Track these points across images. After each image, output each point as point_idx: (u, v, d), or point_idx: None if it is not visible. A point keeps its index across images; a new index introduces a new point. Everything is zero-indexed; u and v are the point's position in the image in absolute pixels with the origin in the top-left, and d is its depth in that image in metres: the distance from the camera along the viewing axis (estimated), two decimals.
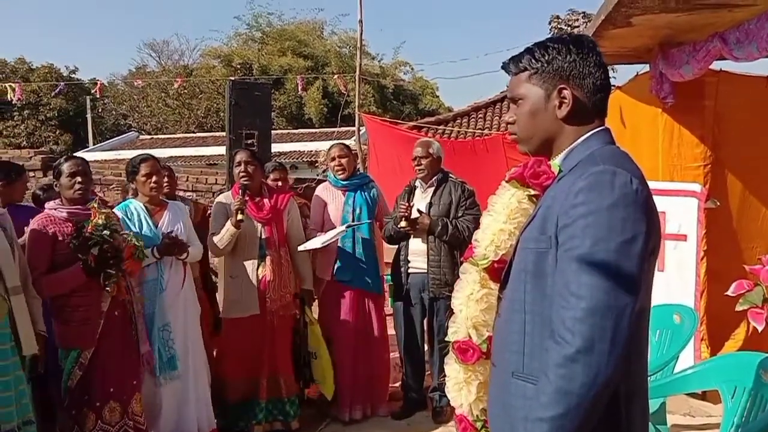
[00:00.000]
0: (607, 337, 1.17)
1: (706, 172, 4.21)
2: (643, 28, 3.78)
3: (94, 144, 22.92)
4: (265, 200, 3.86)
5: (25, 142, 23.76)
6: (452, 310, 1.79)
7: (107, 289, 3.02)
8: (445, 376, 1.82)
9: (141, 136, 23.14)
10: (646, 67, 4.54)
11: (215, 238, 3.70)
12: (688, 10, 3.39)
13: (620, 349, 1.18)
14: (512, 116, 1.48)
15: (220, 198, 3.93)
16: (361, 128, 9.74)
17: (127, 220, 3.41)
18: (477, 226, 3.88)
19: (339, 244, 4.05)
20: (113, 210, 3.40)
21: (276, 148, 14.53)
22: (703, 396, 3.85)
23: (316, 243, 3.90)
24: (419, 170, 3.99)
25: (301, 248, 3.92)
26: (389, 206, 4.35)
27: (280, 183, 4.36)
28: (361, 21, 9.37)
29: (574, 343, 1.18)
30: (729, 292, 3.48)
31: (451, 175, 4.06)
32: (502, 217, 1.60)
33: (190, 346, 3.59)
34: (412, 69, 26.61)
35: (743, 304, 3.44)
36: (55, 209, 3.07)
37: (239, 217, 3.61)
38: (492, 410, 1.51)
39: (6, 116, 25.10)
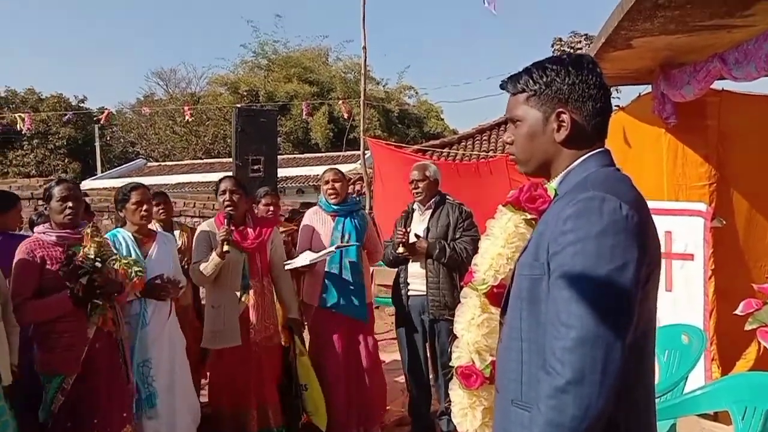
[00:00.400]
0: (597, 367, 1.14)
1: (712, 191, 4.20)
2: (643, 50, 3.81)
3: (102, 172, 23.14)
4: (249, 229, 3.80)
5: (34, 171, 24.04)
6: (455, 334, 1.78)
7: (92, 320, 2.97)
8: (450, 401, 1.81)
9: (149, 163, 23.39)
10: (648, 88, 4.56)
11: (201, 267, 3.64)
12: (687, 31, 3.41)
13: (612, 380, 1.15)
14: (510, 137, 1.46)
15: (203, 226, 3.87)
16: (366, 152, 9.80)
17: (115, 251, 3.32)
18: (475, 247, 3.89)
19: (326, 268, 4.03)
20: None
21: (282, 172, 14.66)
22: (715, 417, 3.78)
23: (302, 261, 3.88)
24: (416, 193, 4.01)
25: (287, 266, 3.90)
26: (385, 232, 4.35)
27: (271, 208, 4.35)
28: (365, 47, 9.48)
29: (564, 374, 1.16)
30: (737, 311, 3.44)
31: (448, 197, 4.07)
32: (500, 241, 1.60)
33: (177, 380, 3.52)
34: (417, 93, 26.87)
35: (752, 323, 3.40)
36: (44, 233, 3.04)
37: (225, 248, 3.56)
38: None
39: (16, 145, 25.42)
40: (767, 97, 4.25)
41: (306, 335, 4.21)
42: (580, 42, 20.52)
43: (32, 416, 2.99)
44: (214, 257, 3.59)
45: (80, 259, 2.93)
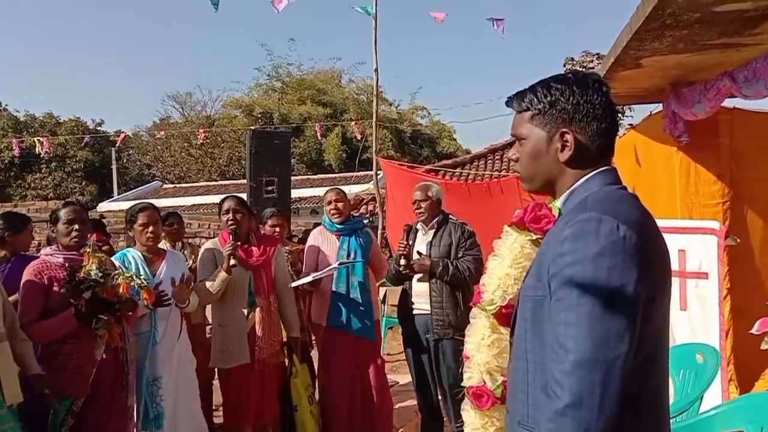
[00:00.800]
0: (596, 391, 1.13)
1: (725, 209, 4.17)
2: (653, 69, 3.82)
3: (118, 194, 23.41)
4: (253, 248, 3.84)
5: (52, 194, 24.37)
6: (465, 354, 1.79)
7: (99, 334, 2.97)
8: (462, 422, 1.81)
9: (164, 185, 23.59)
10: (659, 106, 4.57)
11: (207, 284, 3.66)
12: (696, 50, 3.42)
13: (612, 403, 1.14)
14: (516, 154, 1.46)
15: (208, 245, 3.92)
16: (379, 172, 9.84)
17: (124, 269, 3.36)
18: (477, 266, 3.90)
19: (333, 288, 4.06)
20: (110, 257, 3.38)
21: (296, 193, 14.74)
22: None
23: (307, 278, 3.93)
24: (419, 213, 4.05)
25: (293, 284, 3.94)
26: (394, 248, 4.39)
27: (278, 229, 4.39)
28: (376, 69, 9.56)
29: (563, 398, 1.15)
30: (753, 330, 3.40)
31: (451, 216, 4.10)
32: (507, 261, 1.60)
33: (182, 400, 3.52)
34: (429, 113, 26.99)
35: None
36: (51, 255, 3.07)
37: (232, 262, 3.60)
38: None
39: (34, 169, 25.82)
40: None
41: (315, 354, 4.23)
42: (592, 61, 20.51)
43: None
44: (221, 273, 3.63)
45: (82, 275, 2.95)
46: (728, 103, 3.97)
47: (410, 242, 3.96)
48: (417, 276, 3.95)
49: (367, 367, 4.10)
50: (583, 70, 19.64)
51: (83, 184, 26.10)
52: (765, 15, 2.82)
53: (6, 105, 28.37)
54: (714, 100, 3.58)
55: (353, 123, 17.58)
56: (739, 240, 3.96)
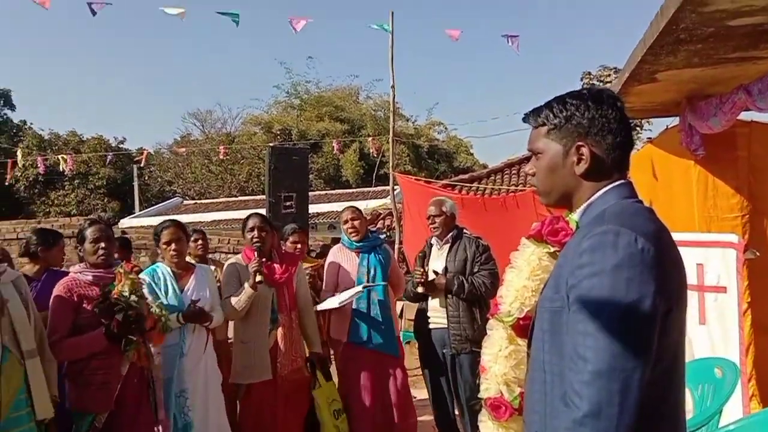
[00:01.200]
0: (615, 401, 1.14)
1: (744, 222, 4.14)
2: (668, 83, 3.83)
3: (140, 210, 23.73)
4: (276, 265, 3.90)
5: (74, 210, 24.76)
6: (483, 366, 1.80)
7: (127, 355, 3.03)
8: None
9: (185, 202, 23.88)
10: (676, 120, 4.56)
11: (232, 301, 3.71)
12: (711, 64, 3.43)
13: (630, 414, 1.15)
14: (532, 168, 1.48)
15: (231, 261, 3.97)
16: (396, 187, 9.90)
17: (154, 285, 3.45)
18: (493, 281, 3.92)
19: (354, 306, 4.10)
20: (140, 275, 3.42)
21: (314, 208, 14.83)
22: None
23: (333, 303, 3.98)
24: (434, 228, 4.08)
25: (319, 307, 3.98)
26: (411, 263, 4.42)
27: (299, 246, 4.45)
28: (393, 86, 9.67)
29: (582, 407, 1.16)
30: None
31: (465, 231, 4.13)
32: (525, 273, 1.61)
33: (211, 413, 3.55)
34: (446, 128, 27.07)
35: None
36: (80, 272, 3.13)
37: (258, 278, 3.65)
38: None
39: (58, 186, 26.29)
40: None
41: (333, 370, 4.25)
42: (609, 75, 20.41)
43: None
44: (246, 289, 3.68)
45: (115, 295, 3.01)
46: (746, 116, 3.96)
47: (426, 267, 4.00)
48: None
49: (390, 383, 4.12)
50: (600, 84, 19.61)
51: (105, 200, 26.50)
52: None
53: (31, 123, 29.05)
54: (729, 114, 3.58)
55: (370, 139, 17.70)
56: (758, 253, 3.93)
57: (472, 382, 3.67)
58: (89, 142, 27.26)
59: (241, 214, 19.77)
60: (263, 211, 4.95)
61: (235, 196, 23.93)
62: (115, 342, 3.00)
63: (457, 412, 4.11)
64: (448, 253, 4.03)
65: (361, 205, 7.21)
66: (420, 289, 3.93)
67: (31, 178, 25.49)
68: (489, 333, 1.76)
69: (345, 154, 23.30)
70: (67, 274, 3.33)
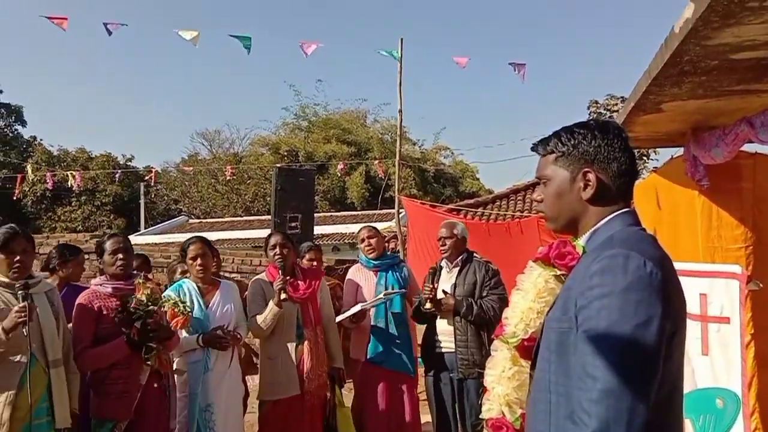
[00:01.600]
0: (623, 418, 1.17)
1: (748, 253, 4.14)
2: (674, 113, 3.86)
3: (145, 228, 23.82)
4: (299, 281, 3.94)
5: (80, 227, 24.91)
6: (485, 387, 1.82)
7: (148, 362, 3.13)
8: None
9: (190, 220, 23.97)
10: (681, 150, 4.59)
11: (258, 319, 3.75)
12: (716, 96, 3.46)
13: (637, 431, 1.17)
14: (540, 195, 1.54)
15: (257, 278, 4.03)
16: (401, 211, 9.95)
17: (179, 299, 3.52)
18: (502, 305, 3.93)
19: (372, 322, 4.12)
20: (166, 291, 3.56)
21: (318, 230, 14.87)
22: None
23: (354, 308, 4.02)
24: (444, 250, 4.11)
25: (339, 317, 4.02)
26: (420, 286, 4.43)
27: (315, 263, 4.49)
28: (400, 110, 9.79)
29: (590, 425, 1.19)
30: None
31: (475, 255, 4.14)
32: (530, 295, 1.66)
33: (230, 428, 3.60)
34: (452, 153, 27.22)
35: None
36: (101, 285, 3.25)
37: (282, 296, 3.69)
38: None
39: (65, 202, 26.47)
40: None
41: (351, 388, 4.26)
42: (616, 104, 20.50)
43: None
44: (272, 307, 3.72)
45: (134, 305, 3.13)
46: (750, 148, 3.99)
47: (435, 285, 4.00)
48: (441, 314, 3.98)
49: (403, 402, 4.14)
50: (608, 112, 19.69)
51: (111, 217, 26.67)
52: None
53: (41, 139, 29.38)
54: (732, 145, 3.61)
55: (377, 162, 17.82)
56: (761, 285, 3.93)
57: (477, 407, 3.67)
58: (98, 159, 27.54)
59: (246, 233, 19.85)
60: (268, 232, 5.01)
61: (241, 216, 24.02)
62: (136, 350, 3.11)
63: None
64: (457, 276, 4.05)
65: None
66: (428, 306, 3.90)
67: (38, 194, 25.71)
68: (493, 354, 1.79)
69: (351, 176, 23.46)
70: (85, 288, 3.44)
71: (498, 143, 48.42)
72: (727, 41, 2.62)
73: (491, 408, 1.77)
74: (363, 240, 4.32)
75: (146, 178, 21.24)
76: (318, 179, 21.95)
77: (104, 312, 3.15)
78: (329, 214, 21.65)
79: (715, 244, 4.20)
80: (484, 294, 3.95)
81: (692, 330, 3.63)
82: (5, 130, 29.14)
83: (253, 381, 4.31)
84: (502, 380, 1.74)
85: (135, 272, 3.40)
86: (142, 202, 25.79)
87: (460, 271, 4.06)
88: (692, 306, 3.29)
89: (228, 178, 20.23)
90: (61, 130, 52.72)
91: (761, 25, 2.34)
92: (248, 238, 18.43)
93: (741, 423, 3.19)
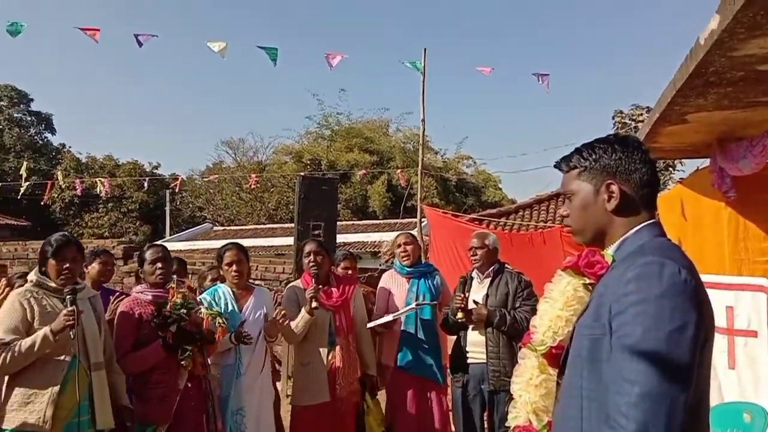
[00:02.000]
0: (661, 422, 1.19)
1: None
2: (699, 124, 3.85)
3: (170, 235, 24.13)
4: (333, 289, 4.00)
5: (107, 233, 25.32)
6: (512, 395, 1.85)
7: (183, 363, 3.23)
8: None
9: (215, 228, 24.22)
10: (707, 161, 4.57)
11: (291, 325, 3.80)
12: (742, 107, 3.45)
13: None
14: (566, 210, 1.59)
15: (291, 285, 4.11)
16: (423, 220, 9.96)
17: (215, 304, 3.64)
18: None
19: (402, 328, 4.15)
20: (202, 295, 3.68)
21: (341, 238, 14.93)
22: None
23: (385, 317, 4.05)
24: (475, 260, 4.10)
25: (370, 324, 4.06)
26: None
27: (350, 271, 4.53)
28: (423, 120, 9.81)
29: (628, 427, 1.21)
30: None
31: (507, 266, 4.13)
32: (559, 304, 1.68)
33: (262, 430, 3.67)
34: (475, 162, 27.16)
35: None
36: (141, 292, 3.39)
37: (314, 304, 3.75)
38: None
39: (92, 208, 26.95)
40: None
41: (383, 395, 4.29)
42: (641, 114, 20.25)
43: None
44: (304, 314, 3.78)
45: (168, 309, 3.24)
46: None
47: (466, 294, 3.98)
48: (472, 324, 3.98)
49: (433, 409, 4.15)
50: (633, 123, 19.46)
51: (137, 224, 27.07)
52: None
53: (69, 147, 29.98)
54: (760, 157, 3.59)
55: (399, 171, 17.87)
56: None
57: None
58: (124, 167, 28.02)
59: (269, 241, 19.90)
60: (290, 240, 5.07)
61: (264, 224, 24.22)
62: (172, 352, 3.22)
63: None
64: (489, 287, 4.03)
65: (388, 236, 7.29)
66: (459, 315, 3.88)
67: (67, 200, 26.20)
68: (520, 362, 1.81)
69: (373, 185, 23.54)
70: (115, 292, 3.60)
71: (521, 153, 48.08)
72: (753, 52, 2.62)
73: (518, 416, 1.79)
74: (399, 245, 4.36)
75: (172, 185, 21.58)
76: (340, 188, 22.04)
77: (144, 318, 3.28)
78: (351, 222, 21.73)
79: (741, 256, 4.17)
80: (517, 305, 3.93)
81: (719, 343, 3.59)
82: (35, 137, 29.81)
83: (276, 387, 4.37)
84: (530, 388, 1.76)
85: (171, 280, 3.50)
86: (167, 209, 26.14)
87: (491, 282, 4.05)
88: (719, 319, 3.26)
89: (252, 186, 20.43)
90: (88, 138, 53.55)
91: None
92: (271, 246, 18.56)
93: None
